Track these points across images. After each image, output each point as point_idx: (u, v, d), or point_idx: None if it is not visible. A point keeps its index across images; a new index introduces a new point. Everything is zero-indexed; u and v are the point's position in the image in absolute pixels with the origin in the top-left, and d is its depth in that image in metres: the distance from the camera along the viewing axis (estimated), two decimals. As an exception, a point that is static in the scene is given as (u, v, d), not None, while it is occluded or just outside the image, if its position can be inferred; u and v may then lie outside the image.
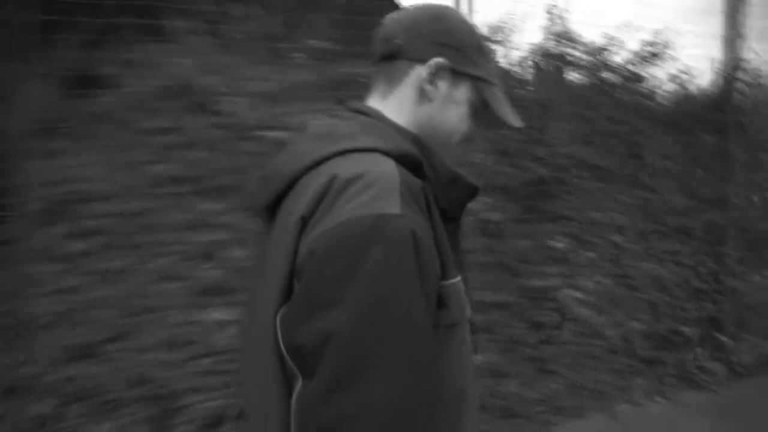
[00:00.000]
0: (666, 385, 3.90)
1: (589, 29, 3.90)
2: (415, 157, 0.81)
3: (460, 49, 0.90)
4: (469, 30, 0.93)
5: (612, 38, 3.90)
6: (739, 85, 4.18)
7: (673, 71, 4.10)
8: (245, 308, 0.92)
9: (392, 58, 0.90)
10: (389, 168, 0.75)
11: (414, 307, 0.69)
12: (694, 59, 4.27)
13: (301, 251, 0.72)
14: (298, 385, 0.71)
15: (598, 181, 3.78)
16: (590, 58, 3.85)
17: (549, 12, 3.78)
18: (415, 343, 0.69)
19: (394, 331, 0.67)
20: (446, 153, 0.91)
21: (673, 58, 4.08)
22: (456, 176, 0.87)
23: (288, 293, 0.74)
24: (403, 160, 0.79)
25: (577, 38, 3.83)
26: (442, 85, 0.89)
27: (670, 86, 4.08)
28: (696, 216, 4.11)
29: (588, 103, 3.77)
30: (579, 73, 3.84)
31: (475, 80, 0.92)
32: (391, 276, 0.68)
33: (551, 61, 3.75)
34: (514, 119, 0.94)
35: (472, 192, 0.89)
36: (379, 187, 0.72)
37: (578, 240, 3.66)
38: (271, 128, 2.80)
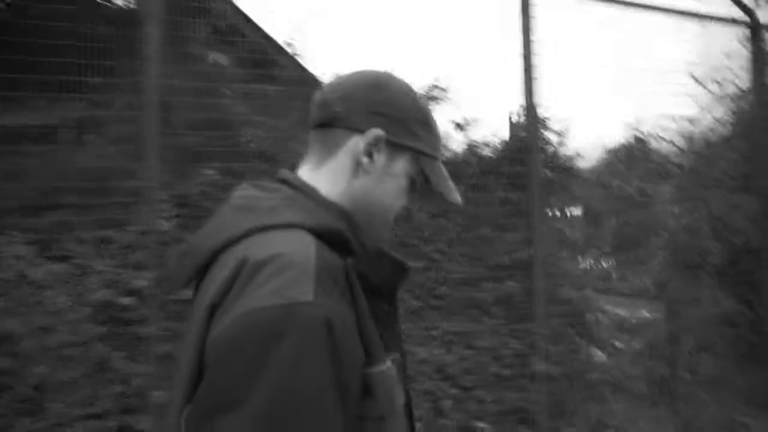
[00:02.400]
0: (453, 498, 3.14)
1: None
2: (340, 233, 0.77)
3: (401, 120, 0.86)
4: (411, 100, 0.89)
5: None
6: (540, 134, 3.61)
7: (461, 120, 3.51)
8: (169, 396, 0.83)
9: (329, 126, 0.86)
10: (306, 248, 0.70)
11: (326, 408, 0.63)
12: (489, 107, 3.71)
13: (209, 342, 0.67)
14: None
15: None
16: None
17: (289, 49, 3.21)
18: None
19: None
20: (382, 228, 0.89)
21: (460, 106, 3.52)
22: (382, 253, 0.83)
23: (195, 390, 0.67)
24: (326, 236, 0.75)
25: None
26: (380, 157, 0.86)
27: (456, 136, 3.49)
28: (492, 287, 3.45)
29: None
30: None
31: (416, 153, 0.88)
32: (298, 374, 0.62)
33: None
34: (454, 195, 0.92)
35: (401, 270, 0.85)
36: (291, 272, 0.67)
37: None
38: None
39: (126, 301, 2.62)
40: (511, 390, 3.46)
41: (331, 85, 0.90)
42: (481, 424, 3.34)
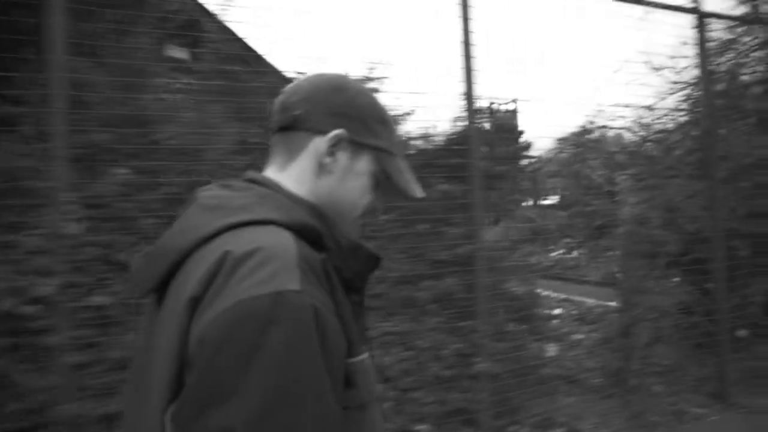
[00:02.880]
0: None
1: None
2: (314, 228, 0.79)
3: (361, 120, 0.89)
4: (370, 100, 0.92)
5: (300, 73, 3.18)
6: (483, 126, 3.50)
7: (399, 111, 3.38)
8: (126, 403, 0.81)
9: (291, 129, 0.88)
10: (286, 241, 0.72)
11: (321, 392, 0.65)
12: (432, 97, 3.59)
13: (192, 337, 0.66)
14: None
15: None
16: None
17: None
18: (330, 428, 0.65)
19: (301, 423, 0.62)
20: (348, 224, 0.91)
21: (399, 96, 3.39)
22: (357, 246, 0.84)
23: (178, 386, 0.67)
24: (301, 232, 0.76)
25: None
26: (342, 156, 0.88)
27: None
28: (432, 284, 3.34)
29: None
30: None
31: (377, 151, 0.91)
32: (292, 361, 0.63)
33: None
34: (416, 190, 0.95)
35: (374, 262, 0.87)
36: (276, 263, 0.68)
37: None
38: None
39: (30, 309, 2.45)
40: (453, 390, 3.37)
41: (290, 89, 0.91)
42: (421, 427, 3.25)
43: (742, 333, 5.05)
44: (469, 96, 3.50)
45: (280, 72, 3.38)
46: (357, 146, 0.89)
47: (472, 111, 3.49)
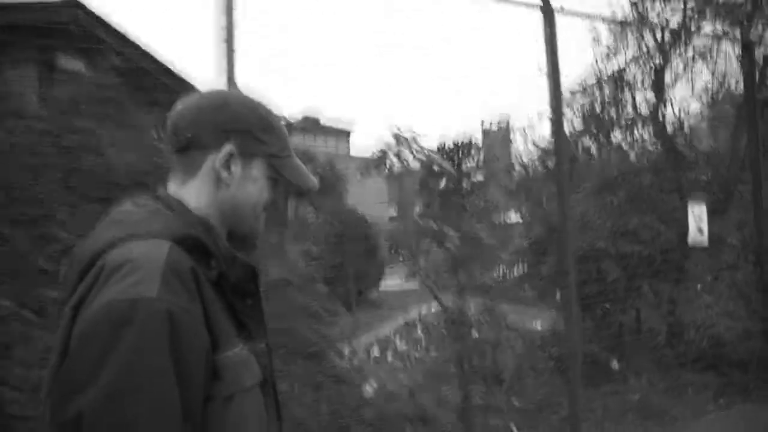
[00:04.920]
0: None
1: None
2: (196, 239, 0.87)
3: (248, 132, 0.96)
4: (254, 112, 0.98)
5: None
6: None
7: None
8: None
9: (185, 150, 0.95)
10: (157, 253, 0.80)
11: (165, 386, 0.74)
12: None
13: (72, 337, 0.78)
14: None
15: None
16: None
17: None
18: (167, 421, 0.73)
19: (144, 410, 0.72)
20: (253, 222, 1.01)
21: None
22: (233, 257, 0.91)
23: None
24: (184, 242, 0.84)
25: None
26: (236, 168, 0.96)
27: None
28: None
29: None
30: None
31: (267, 157, 0.99)
32: (138, 358, 0.73)
33: None
34: (310, 183, 1.05)
35: (250, 271, 0.94)
36: (140, 273, 0.77)
37: None
38: None
39: None
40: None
41: (178, 111, 0.96)
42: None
43: (614, 365, 4.55)
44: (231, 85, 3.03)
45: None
46: (248, 156, 0.96)
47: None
